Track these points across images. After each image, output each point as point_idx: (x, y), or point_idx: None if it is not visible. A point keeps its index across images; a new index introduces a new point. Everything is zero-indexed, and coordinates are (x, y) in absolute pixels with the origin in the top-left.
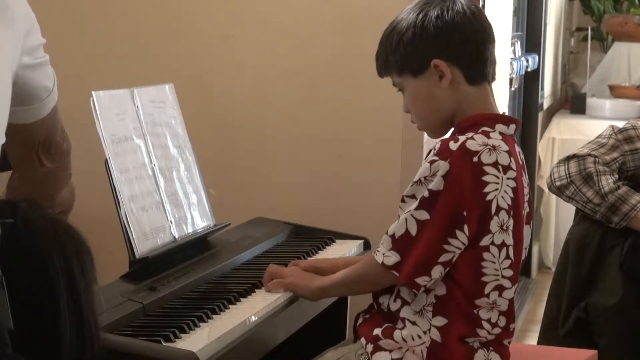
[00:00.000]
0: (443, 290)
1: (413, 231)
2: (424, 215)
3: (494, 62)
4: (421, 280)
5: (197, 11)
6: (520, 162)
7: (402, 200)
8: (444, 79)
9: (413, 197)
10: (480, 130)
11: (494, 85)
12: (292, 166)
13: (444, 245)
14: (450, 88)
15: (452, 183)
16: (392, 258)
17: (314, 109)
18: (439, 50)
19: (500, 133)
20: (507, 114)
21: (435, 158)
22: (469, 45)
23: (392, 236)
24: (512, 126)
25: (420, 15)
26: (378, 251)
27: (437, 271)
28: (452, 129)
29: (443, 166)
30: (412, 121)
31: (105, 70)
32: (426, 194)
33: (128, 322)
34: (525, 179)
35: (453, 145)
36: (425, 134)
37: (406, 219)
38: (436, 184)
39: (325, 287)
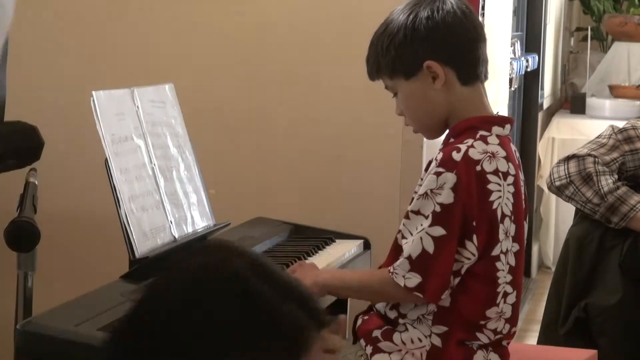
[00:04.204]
0: (447, 302)
1: (430, 249)
2: (439, 231)
3: (486, 61)
4: (444, 295)
5: (196, 11)
6: (517, 162)
7: (407, 217)
8: (437, 80)
9: (419, 213)
10: (478, 136)
11: (493, 85)
12: (292, 166)
13: (455, 255)
14: (443, 89)
15: (461, 194)
16: (414, 280)
17: (313, 108)
18: (430, 51)
19: (497, 135)
20: (507, 114)
21: (441, 170)
22: (461, 45)
23: (409, 257)
24: (508, 126)
25: (411, 17)
26: (397, 273)
27: (451, 281)
28: (447, 131)
29: (450, 178)
30: (406, 123)
31: (105, 70)
32: (437, 208)
33: None
34: (521, 176)
35: (456, 156)
36: None
37: (421, 238)
38: (446, 197)
39: (330, 287)
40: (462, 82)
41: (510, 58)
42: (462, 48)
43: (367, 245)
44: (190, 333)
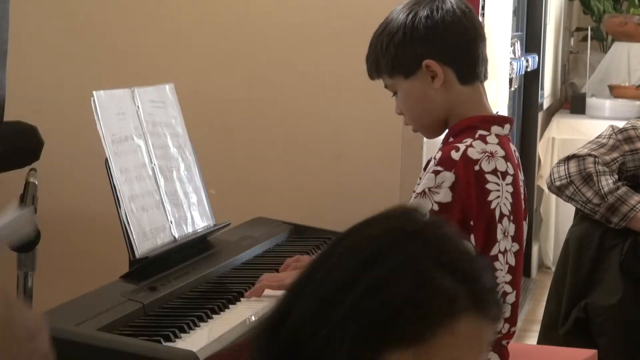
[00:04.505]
0: None
1: None
2: None
3: (485, 61)
4: None
5: (197, 11)
6: (517, 162)
7: None
8: (436, 79)
9: None
10: (477, 135)
11: (493, 85)
12: (292, 166)
13: None
14: (442, 88)
15: (460, 193)
16: None
17: (313, 109)
18: (429, 50)
19: (496, 135)
20: (507, 114)
21: (440, 168)
22: (460, 44)
23: None
24: (507, 126)
25: (410, 16)
26: None
27: None
28: (447, 131)
29: (449, 177)
30: (406, 123)
31: (105, 70)
32: (435, 207)
33: (128, 322)
34: (521, 176)
35: (455, 155)
36: None
37: None
38: (444, 196)
39: None
40: (462, 82)
41: (510, 58)
42: (461, 47)
43: None
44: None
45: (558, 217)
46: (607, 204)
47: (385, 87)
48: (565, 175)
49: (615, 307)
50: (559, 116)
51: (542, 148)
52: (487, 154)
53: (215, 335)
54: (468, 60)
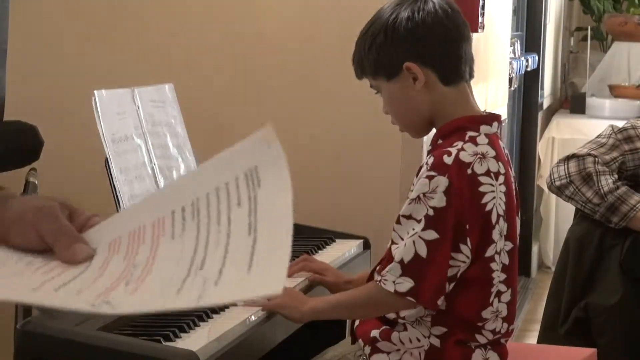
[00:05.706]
0: (443, 305)
1: (423, 253)
2: (432, 235)
3: (470, 60)
4: (440, 301)
5: (197, 11)
6: (506, 159)
7: (398, 222)
8: (417, 81)
9: (410, 217)
10: (467, 137)
11: (493, 84)
12: (292, 165)
13: (450, 260)
14: (425, 89)
15: (454, 198)
16: (405, 284)
17: (313, 107)
18: (410, 52)
19: (486, 135)
20: (507, 113)
21: (433, 173)
22: (441, 46)
23: (401, 262)
24: (495, 124)
25: (392, 17)
26: (386, 280)
27: (447, 287)
28: (434, 132)
29: (443, 182)
30: (393, 122)
31: (106, 70)
32: (430, 212)
33: (128, 322)
34: (512, 173)
35: (448, 159)
36: None
37: (414, 242)
38: (438, 200)
39: (320, 310)
40: (444, 83)
41: (510, 58)
42: (442, 49)
43: (367, 245)
44: None
45: (558, 217)
46: (607, 203)
47: (371, 86)
48: (565, 175)
49: (615, 307)
50: (559, 116)
51: (542, 148)
52: (478, 155)
53: (215, 335)
54: (449, 61)
